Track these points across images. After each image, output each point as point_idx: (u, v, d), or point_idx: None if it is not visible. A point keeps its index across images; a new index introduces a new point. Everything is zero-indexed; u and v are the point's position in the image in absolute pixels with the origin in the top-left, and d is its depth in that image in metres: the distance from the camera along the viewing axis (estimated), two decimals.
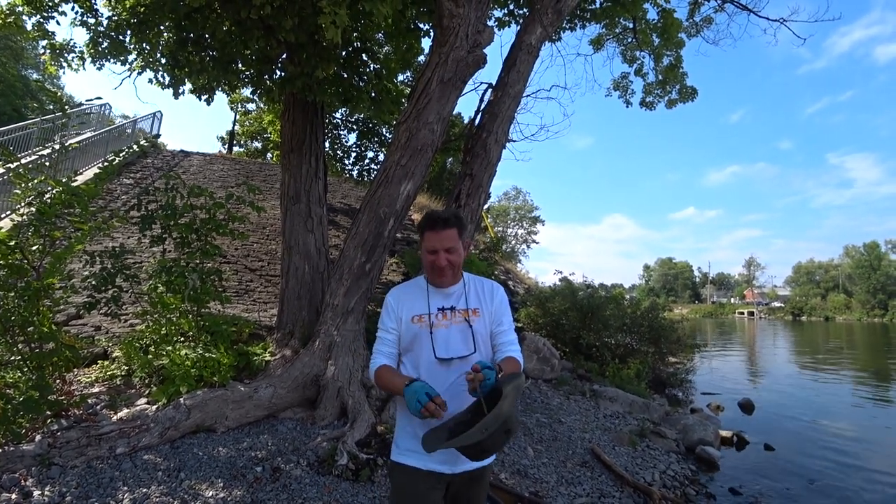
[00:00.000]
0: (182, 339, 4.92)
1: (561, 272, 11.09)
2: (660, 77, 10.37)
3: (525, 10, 8.11)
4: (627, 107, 11.14)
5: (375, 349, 1.89)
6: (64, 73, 6.80)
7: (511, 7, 8.43)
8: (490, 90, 5.99)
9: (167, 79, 6.60)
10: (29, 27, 6.42)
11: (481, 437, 1.35)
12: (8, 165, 4.18)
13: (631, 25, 10.08)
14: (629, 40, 10.57)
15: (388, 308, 1.88)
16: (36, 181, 4.25)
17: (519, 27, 6.18)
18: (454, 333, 1.79)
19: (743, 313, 75.97)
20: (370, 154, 11.29)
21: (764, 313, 76.18)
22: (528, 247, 39.75)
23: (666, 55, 10.09)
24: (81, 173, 10.59)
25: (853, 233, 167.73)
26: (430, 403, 1.48)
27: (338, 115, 11.04)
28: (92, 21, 6.44)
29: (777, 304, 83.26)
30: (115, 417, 3.89)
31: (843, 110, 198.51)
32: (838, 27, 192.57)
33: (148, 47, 6.55)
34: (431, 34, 6.87)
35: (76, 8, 6.33)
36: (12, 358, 3.88)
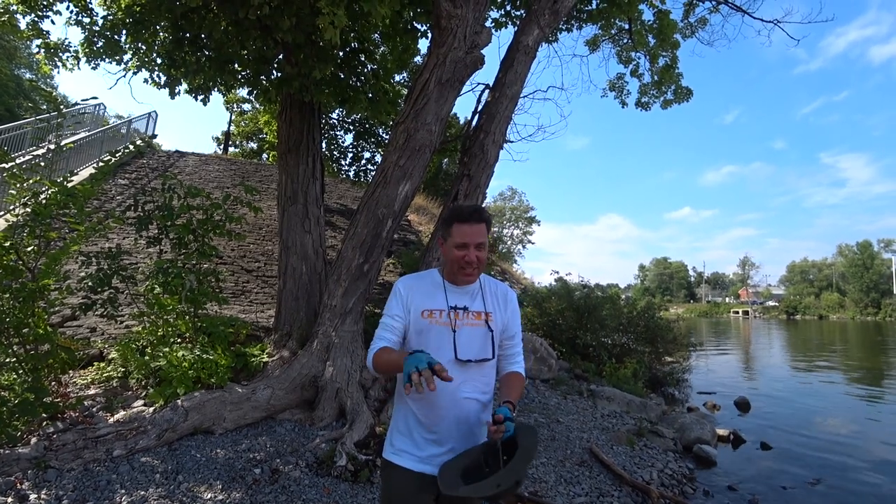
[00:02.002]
0: (179, 340, 4.89)
1: (557, 272, 11.12)
2: (655, 78, 10.40)
3: (522, 11, 8.13)
4: (623, 107, 11.19)
5: (377, 335, 1.77)
6: (58, 72, 6.74)
7: (508, 8, 8.44)
8: (487, 91, 5.99)
9: (163, 79, 6.57)
10: (23, 26, 6.36)
11: (495, 491, 1.41)
12: (2, 165, 4.15)
13: (626, 26, 10.11)
14: (625, 41, 10.60)
15: (397, 295, 1.79)
16: (31, 181, 4.22)
17: (516, 28, 6.19)
18: (471, 335, 1.73)
19: (738, 312, 76.36)
20: (367, 155, 11.31)
21: (759, 312, 76.58)
22: (524, 247, 39.89)
23: (661, 56, 10.13)
24: (76, 174, 10.53)
25: (846, 232, 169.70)
26: (426, 371, 1.34)
27: (334, 115, 11.04)
28: (87, 20, 6.39)
29: (771, 303, 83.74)
30: (111, 420, 3.86)
31: (838, 110, 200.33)
32: (834, 28, 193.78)
33: (144, 47, 6.51)
34: (428, 35, 6.87)
35: (71, 7, 6.28)
36: (7, 360, 3.85)
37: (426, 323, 1.72)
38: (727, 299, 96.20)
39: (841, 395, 10.39)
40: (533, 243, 40.85)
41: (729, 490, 4.75)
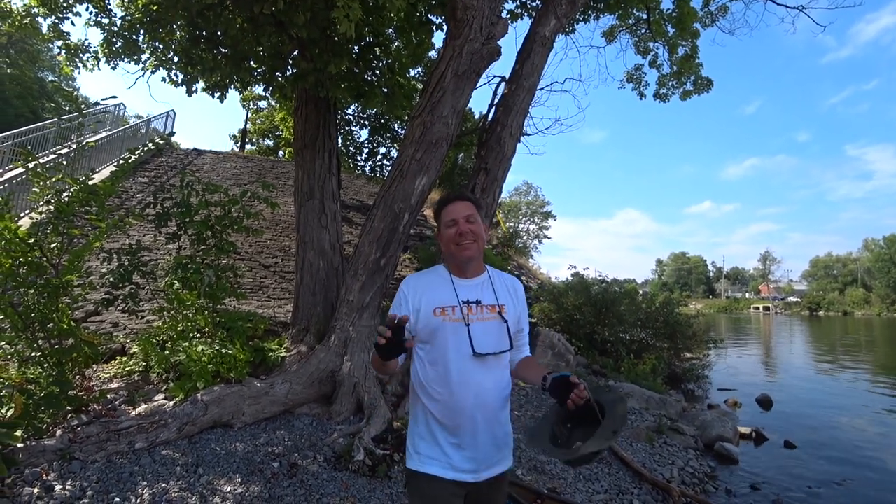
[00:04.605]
0: (198, 335, 4.95)
1: (575, 267, 11.00)
2: (674, 68, 10.17)
3: (538, 1, 8.01)
4: (641, 99, 10.99)
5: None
6: (79, 73, 6.86)
7: None
8: (504, 83, 5.92)
9: (180, 77, 6.64)
10: (44, 29, 6.49)
11: (613, 440, 1.43)
12: (27, 165, 4.23)
13: (645, 16, 9.90)
14: (643, 31, 10.39)
15: (401, 297, 1.74)
16: (54, 179, 4.30)
17: (532, 19, 6.10)
18: (487, 328, 1.69)
19: (758, 308, 74.79)
20: (382, 150, 11.31)
21: (780, 308, 74.91)
22: (540, 242, 39.49)
23: (681, 45, 9.89)
24: (98, 172, 10.73)
25: (872, 226, 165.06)
26: (381, 328, 1.43)
27: (350, 110, 11.05)
28: (106, 21, 6.48)
29: (793, 298, 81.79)
30: (133, 413, 3.92)
31: (867, 100, 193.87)
32: (864, 14, 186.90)
33: (161, 46, 6.58)
34: (443, 28, 6.81)
35: (90, 8, 6.38)
36: (33, 354, 3.93)
37: (439, 321, 1.67)
38: (747, 295, 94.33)
39: (868, 393, 10.09)
40: (549, 238, 40.39)
41: (752, 489, 4.64)
